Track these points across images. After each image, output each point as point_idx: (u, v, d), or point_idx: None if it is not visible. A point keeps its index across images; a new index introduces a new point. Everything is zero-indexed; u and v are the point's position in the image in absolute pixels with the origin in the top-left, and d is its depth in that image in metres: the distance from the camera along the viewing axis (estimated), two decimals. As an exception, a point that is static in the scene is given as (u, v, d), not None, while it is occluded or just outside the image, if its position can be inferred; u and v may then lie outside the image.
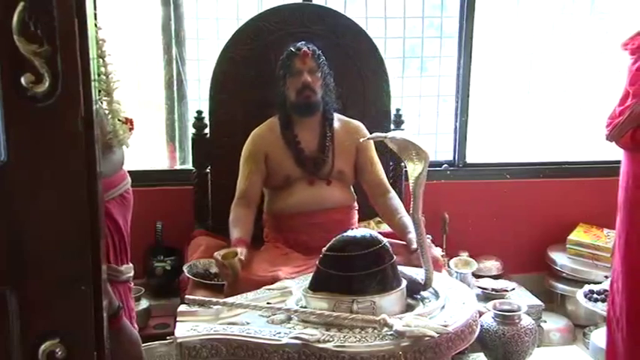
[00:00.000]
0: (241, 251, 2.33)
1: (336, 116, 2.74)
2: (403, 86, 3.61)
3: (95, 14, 1.82)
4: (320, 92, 2.63)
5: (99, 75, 1.92)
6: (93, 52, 1.01)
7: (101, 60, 1.95)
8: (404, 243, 2.45)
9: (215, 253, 2.32)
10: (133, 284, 2.19)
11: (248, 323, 1.86)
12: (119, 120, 2.00)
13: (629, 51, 2.46)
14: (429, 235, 2.40)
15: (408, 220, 2.45)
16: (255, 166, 2.63)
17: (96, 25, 1.83)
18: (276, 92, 2.69)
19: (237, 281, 2.24)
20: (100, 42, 1.93)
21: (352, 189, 2.76)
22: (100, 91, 1.94)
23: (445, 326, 1.80)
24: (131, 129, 2.06)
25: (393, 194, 2.69)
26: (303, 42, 2.66)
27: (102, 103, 1.97)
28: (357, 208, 2.76)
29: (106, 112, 1.98)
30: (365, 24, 3.37)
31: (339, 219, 2.56)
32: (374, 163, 2.71)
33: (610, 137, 2.53)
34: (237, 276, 2.25)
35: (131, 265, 2.12)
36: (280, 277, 2.25)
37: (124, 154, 2.07)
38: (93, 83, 1.01)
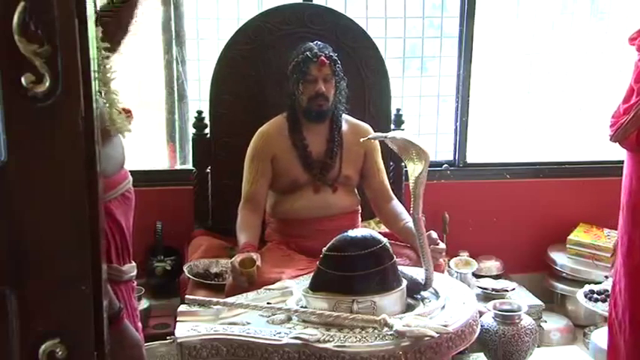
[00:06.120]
0: (257, 257, 2.31)
1: (345, 118, 2.69)
2: (403, 86, 3.60)
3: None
4: (332, 99, 2.57)
5: (98, 66, 1.90)
6: (93, 52, 1.01)
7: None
8: (408, 248, 2.48)
9: (232, 260, 2.30)
10: (136, 283, 2.18)
11: (248, 323, 1.86)
12: (116, 110, 1.98)
13: (636, 46, 2.38)
14: (433, 230, 2.40)
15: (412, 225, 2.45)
16: (262, 167, 2.58)
17: None
18: (284, 92, 2.65)
19: (248, 288, 2.21)
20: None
21: (356, 191, 2.74)
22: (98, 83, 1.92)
23: (445, 326, 1.80)
24: (129, 116, 2.04)
25: (396, 201, 2.67)
26: (320, 44, 2.58)
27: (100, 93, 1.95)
28: (360, 210, 2.75)
29: (104, 102, 1.96)
30: (365, 24, 3.37)
31: (345, 224, 2.49)
32: (380, 169, 2.68)
33: (614, 138, 2.45)
34: (252, 284, 2.22)
35: (134, 264, 2.11)
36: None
37: (124, 154, 2.06)
38: (93, 82, 1.01)
